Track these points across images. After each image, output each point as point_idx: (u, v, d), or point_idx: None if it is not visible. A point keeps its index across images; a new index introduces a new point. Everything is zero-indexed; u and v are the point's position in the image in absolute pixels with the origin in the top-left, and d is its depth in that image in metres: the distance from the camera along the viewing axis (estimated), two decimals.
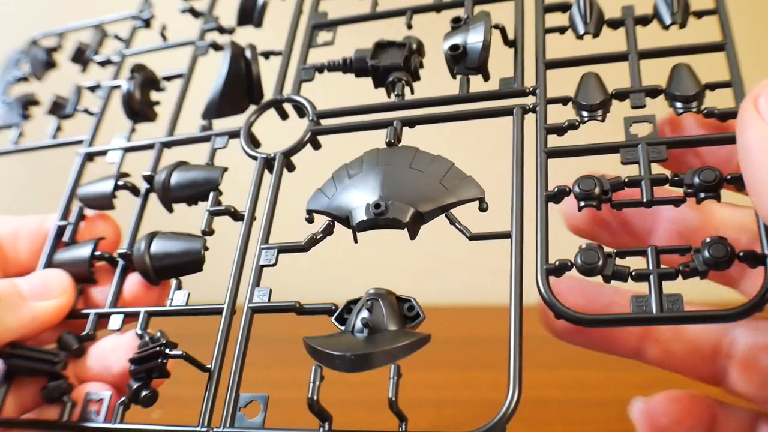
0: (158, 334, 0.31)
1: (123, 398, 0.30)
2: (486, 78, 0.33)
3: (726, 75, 0.30)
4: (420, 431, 0.25)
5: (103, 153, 0.39)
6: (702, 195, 0.27)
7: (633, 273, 0.26)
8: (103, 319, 0.33)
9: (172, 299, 0.32)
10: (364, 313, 0.27)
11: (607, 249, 0.27)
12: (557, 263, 0.27)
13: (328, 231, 0.31)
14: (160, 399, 0.29)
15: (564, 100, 0.31)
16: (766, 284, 0.24)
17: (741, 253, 0.25)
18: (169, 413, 0.31)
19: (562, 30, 0.33)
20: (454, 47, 0.33)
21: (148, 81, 0.40)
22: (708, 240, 0.25)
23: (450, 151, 0.32)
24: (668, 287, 0.25)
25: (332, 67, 0.36)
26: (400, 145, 0.32)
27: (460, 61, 0.33)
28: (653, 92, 0.30)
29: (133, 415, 0.29)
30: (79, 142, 0.40)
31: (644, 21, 0.32)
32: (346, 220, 0.30)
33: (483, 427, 0.24)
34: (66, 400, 0.30)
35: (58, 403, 0.31)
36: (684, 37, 0.32)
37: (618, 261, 0.26)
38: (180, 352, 0.29)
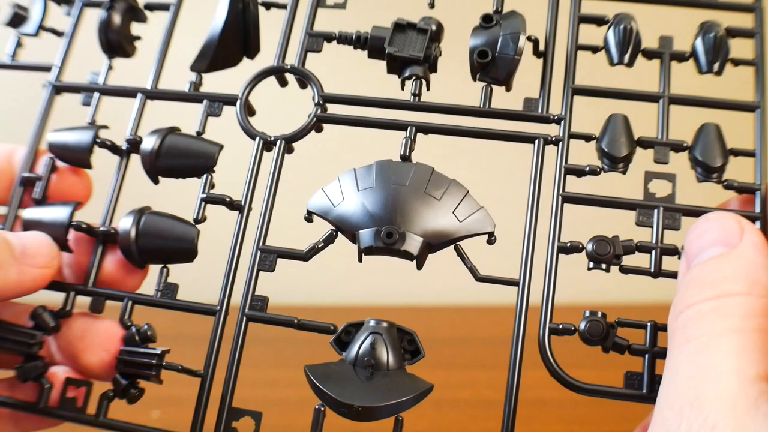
0: (145, 327, 0.30)
1: (108, 392, 0.29)
2: (508, 89, 0.32)
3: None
4: (420, 431, 0.26)
5: (76, 90, 0.35)
6: None
7: (631, 347, 0.27)
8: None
9: (159, 290, 0.30)
10: (367, 349, 0.28)
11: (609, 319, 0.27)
12: (561, 326, 0.27)
13: (330, 240, 0.30)
14: (158, 398, 0.28)
15: (588, 138, 0.30)
16: None
17: None
18: (168, 414, 0.31)
19: (594, 49, 0.32)
20: (482, 54, 0.31)
21: (129, 9, 0.35)
22: None
23: (460, 161, 0.31)
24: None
25: (343, 39, 0.33)
26: (414, 161, 0.30)
27: (486, 68, 0.31)
28: (678, 147, 0.29)
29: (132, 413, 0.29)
30: (47, 69, 0.35)
31: (680, 58, 0.31)
32: (351, 236, 0.29)
33: None
34: (44, 382, 0.30)
35: (33, 382, 0.30)
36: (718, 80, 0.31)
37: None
38: (177, 366, 0.28)
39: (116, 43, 0.35)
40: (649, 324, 0.27)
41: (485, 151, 0.36)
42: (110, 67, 0.35)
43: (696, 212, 0.28)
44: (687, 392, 0.22)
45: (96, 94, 0.34)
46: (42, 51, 0.36)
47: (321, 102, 0.32)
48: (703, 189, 0.29)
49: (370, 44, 0.33)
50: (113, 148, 0.33)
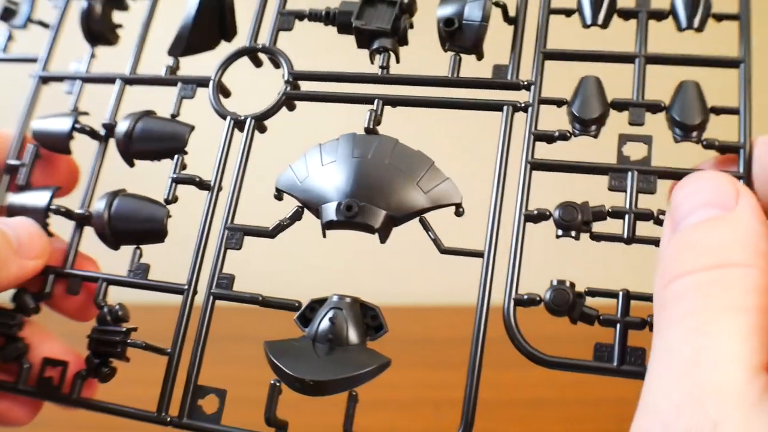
0: (117, 307, 0.30)
1: (81, 371, 0.30)
2: (479, 58, 0.31)
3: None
4: (419, 431, 0.26)
5: (60, 79, 0.35)
6: None
7: (600, 317, 0.26)
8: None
9: (132, 271, 0.31)
10: (327, 324, 0.27)
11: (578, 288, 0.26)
12: (526, 297, 0.26)
13: (296, 217, 0.30)
14: (136, 399, 0.29)
15: (558, 103, 0.29)
16: None
17: None
18: None
19: (568, 13, 0.30)
20: (448, 22, 0.30)
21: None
22: None
23: (431, 136, 0.30)
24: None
25: (313, 16, 0.33)
26: (379, 132, 0.30)
27: (454, 37, 0.30)
28: (654, 107, 0.28)
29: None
30: (33, 60, 0.36)
31: (659, 16, 0.29)
32: (316, 212, 0.29)
33: None
34: (24, 362, 0.30)
35: (13, 363, 0.31)
36: (699, 37, 0.29)
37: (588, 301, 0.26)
38: (141, 343, 0.29)
39: (98, 32, 0.36)
40: (621, 293, 0.26)
41: (456, 124, 0.35)
42: (93, 56, 0.36)
43: (672, 174, 0.27)
44: (684, 378, 0.19)
45: (78, 82, 0.35)
46: (30, 41, 0.37)
47: (291, 79, 0.32)
48: (681, 152, 0.28)
49: (339, 20, 0.32)
50: (92, 134, 0.33)
